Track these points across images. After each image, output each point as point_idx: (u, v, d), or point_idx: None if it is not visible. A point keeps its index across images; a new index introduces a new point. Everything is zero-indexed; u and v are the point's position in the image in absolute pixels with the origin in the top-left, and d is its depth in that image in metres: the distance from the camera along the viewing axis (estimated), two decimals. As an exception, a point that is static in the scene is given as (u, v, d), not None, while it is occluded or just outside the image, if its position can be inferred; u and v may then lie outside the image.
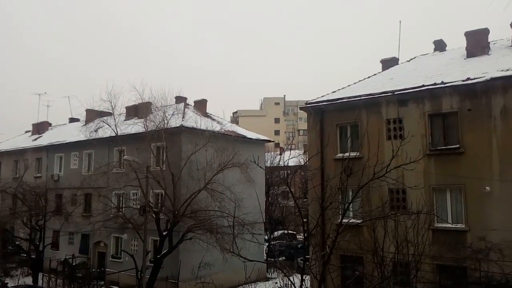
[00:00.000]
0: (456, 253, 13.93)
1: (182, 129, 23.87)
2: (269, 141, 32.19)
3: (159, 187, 21.24)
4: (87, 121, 30.55)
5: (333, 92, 19.02)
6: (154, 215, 21.07)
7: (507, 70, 14.49)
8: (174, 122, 23.39)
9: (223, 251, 18.17)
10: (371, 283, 11.88)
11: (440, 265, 14.39)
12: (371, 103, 16.88)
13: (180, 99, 28.72)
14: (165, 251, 21.02)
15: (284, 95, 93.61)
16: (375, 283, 11.34)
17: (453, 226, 14.68)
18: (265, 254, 28.85)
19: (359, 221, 12.13)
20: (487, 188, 13.99)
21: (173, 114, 23.24)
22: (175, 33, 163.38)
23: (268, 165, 38.92)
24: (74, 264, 27.28)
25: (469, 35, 17.70)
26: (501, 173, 13.89)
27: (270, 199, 37.72)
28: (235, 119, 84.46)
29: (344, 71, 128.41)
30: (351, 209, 14.10)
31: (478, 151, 14.41)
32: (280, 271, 12.82)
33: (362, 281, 13.86)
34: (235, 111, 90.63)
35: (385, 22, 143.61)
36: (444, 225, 14.69)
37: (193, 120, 24.93)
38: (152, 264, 21.40)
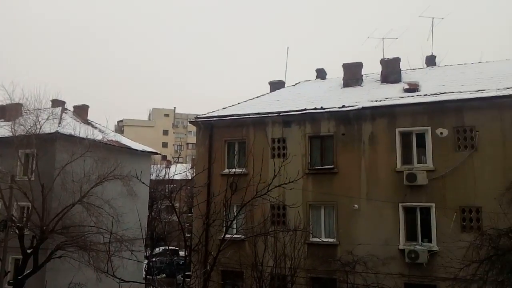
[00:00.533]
0: (327, 266, 15.03)
1: (57, 136, 21.75)
2: (156, 153, 31.18)
3: (25, 199, 18.91)
4: None
5: (223, 108, 19.31)
6: (17, 231, 18.63)
7: (376, 101, 16.38)
8: (49, 128, 21.21)
9: (97, 271, 16.81)
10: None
11: (314, 278, 15.35)
12: (258, 122, 17.55)
13: (57, 103, 26.17)
14: (28, 271, 18.67)
15: (174, 107, 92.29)
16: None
17: (326, 240, 15.84)
18: (144, 272, 27.54)
19: (242, 237, 12.34)
20: (356, 206, 15.46)
21: (47, 119, 21.03)
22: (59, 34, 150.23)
23: (154, 178, 37.61)
24: None
25: (346, 67, 19.65)
26: (367, 193, 15.48)
27: (153, 213, 36.36)
28: (120, 128, 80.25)
29: (234, 90, 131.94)
30: (234, 226, 14.34)
31: (349, 172, 15.89)
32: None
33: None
34: (120, 119, 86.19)
35: (274, 46, 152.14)
36: (318, 239, 15.76)
37: (71, 126, 22.91)
38: (11, 286, 18.82)
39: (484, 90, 14.98)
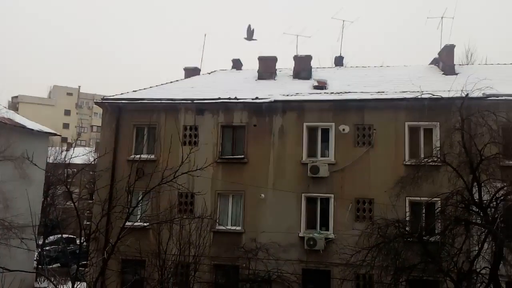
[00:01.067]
0: (231, 253, 15.29)
1: None
2: (54, 134, 28.62)
3: None
4: None
5: (133, 91, 18.48)
6: None
7: (287, 95, 16.95)
8: None
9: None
10: (151, 286, 11.87)
11: (217, 265, 15.53)
12: (170, 108, 17.13)
13: None
14: None
15: (79, 86, 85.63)
16: (154, 285, 11.38)
17: (232, 228, 16.11)
18: (35, 262, 25.39)
19: (144, 224, 11.98)
20: (262, 195, 15.93)
21: None
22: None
23: (51, 162, 34.69)
24: None
25: (261, 60, 20.01)
26: (274, 183, 16.03)
27: (49, 199, 33.60)
28: (14, 105, 72.43)
29: (148, 75, 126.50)
30: (139, 213, 13.86)
31: (259, 162, 16.29)
32: (54, 280, 11.56)
33: (143, 284, 13.72)
34: (15, 95, 77.81)
35: (195, 33, 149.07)
36: (224, 227, 15.97)
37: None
38: None
39: (383, 92, 16.34)
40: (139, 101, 17.38)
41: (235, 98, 16.81)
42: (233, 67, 21.99)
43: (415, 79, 16.28)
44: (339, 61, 21.71)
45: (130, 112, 17.44)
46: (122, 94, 18.05)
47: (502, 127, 12.98)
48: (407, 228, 12.29)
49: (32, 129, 25.10)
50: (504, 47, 39.27)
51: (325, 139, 16.24)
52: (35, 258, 25.19)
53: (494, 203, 11.05)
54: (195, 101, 17.00)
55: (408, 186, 12.83)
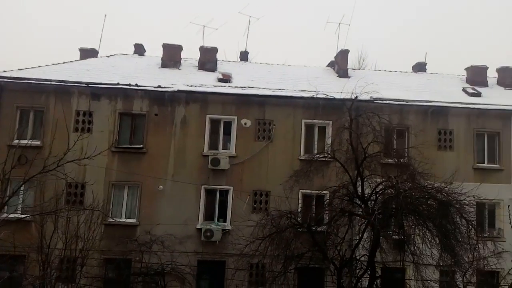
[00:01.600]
0: (124, 247, 14.67)
1: None
2: None
3: None
4: None
5: (19, 69, 16.63)
6: None
7: (191, 86, 16.71)
8: None
9: None
10: (29, 282, 10.88)
11: (108, 259, 14.78)
12: (62, 91, 15.82)
13: None
14: None
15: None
16: (34, 281, 10.46)
17: (126, 221, 15.46)
18: None
19: (21, 216, 10.92)
20: (161, 186, 15.54)
21: None
22: None
23: None
24: None
25: (165, 47, 19.38)
26: (174, 175, 15.73)
27: None
28: None
29: (36, 50, 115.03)
30: (19, 203, 12.58)
31: (159, 153, 15.84)
32: None
33: (21, 281, 12.51)
34: None
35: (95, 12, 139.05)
36: (117, 219, 15.28)
37: None
38: None
39: (284, 89, 16.98)
40: (25, 81, 15.71)
41: (136, 85, 16.10)
42: (135, 52, 20.97)
43: (312, 79, 17.15)
44: (244, 56, 22.01)
45: (13, 92, 15.71)
46: (4, 72, 16.15)
47: (384, 128, 14.36)
48: (298, 219, 12.97)
49: None
50: (391, 56, 43.43)
51: (227, 132, 16.38)
52: None
53: (374, 196, 12.19)
54: (90, 85, 15.90)
55: (301, 180, 13.59)
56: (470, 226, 10.85)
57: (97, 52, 20.25)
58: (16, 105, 15.65)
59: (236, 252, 13.67)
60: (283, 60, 34.93)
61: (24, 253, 12.31)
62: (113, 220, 15.09)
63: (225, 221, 15.68)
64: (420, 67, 21.80)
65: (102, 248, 14.01)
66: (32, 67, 17.03)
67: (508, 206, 11.92)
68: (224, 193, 15.97)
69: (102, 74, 17.08)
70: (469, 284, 10.80)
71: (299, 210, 14.18)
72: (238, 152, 16.01)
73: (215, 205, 15.88)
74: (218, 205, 15.87)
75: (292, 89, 16.94)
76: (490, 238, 12.12)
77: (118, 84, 16.10)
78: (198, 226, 15.34)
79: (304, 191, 15.11)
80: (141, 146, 15.94)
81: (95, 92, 15.97)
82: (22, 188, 10.02)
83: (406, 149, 15.64)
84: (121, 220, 15.38)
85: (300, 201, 15.18)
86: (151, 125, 16.08)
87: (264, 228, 12.34)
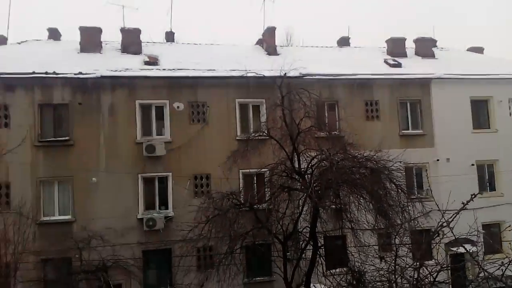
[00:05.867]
0: (62, 245, 13.93)
1: None
2: None
3: None
4: None
5: None
6: None
7: (116, 70, 15.84)
8: None
9: None
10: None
11: (45, 260, 13.98)
12: (-32, 83, 14.22)
13: None
14: None
15: None
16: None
17: (60, 218, 14.64)
18: None
19: None
20: (94, 179, 14.82)
21: None
22: None
23: None
24: None
25: (83, 30, 18.03)
26: (106, 166, 15.05)
27: None
28: None
29: None
30: None
31: (87, 144, 15.01)
32: None
33: None
34: None
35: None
36: (51, 218, 14.43)
37: None
38: None
39: (215, 69, 16.73)
40: None
41: (54, 73, 14.98)
42: (49, 38, 19.34)
43: (242, 58, 17.08)
44: (170, 37, 21.25)
45: None
46: None
47: (315, 103, 14.75)
48: (241, 199, 13.08)
49: None
50: (317, 33, 44.49)
51: (160, 117, 15.92)
52: None
53: (310, 170, 12.59)
54: (2, 76, 14.50)
55: (239, 160, 13.63)
56: (399, 190, 11.68)
57: (6, 39, 18.38)
58: None
59: (181, 239, 13.54)
60: (212, 40, 34.25)
61: None
62: (46, 219, 14.19)
63: (167, 208, 15.42)
64: (344, 42, 22.59)
65: (37, 249, 13.21)
66: None
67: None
68: (163, 180, 15.63)
69: (15, 63, 15.59)
70: (404, 244, 11.64)
71: (241, 190, 14.31)
72: (173, 137, 15.67)
73: (155, 193, 15.53)
74: (158, 192, 15.54)
75: (223, 69, 16.76)
76: (420, 199, 13.12)
77: (33, 73, 14.86)
78: (139, 216, 14.95)
79: (244, 170, 15.25)
80: (67, 138, 14.99)
81: (9, 83, 14.66)
82: None
83: (337, 122, 16.30)
84: (54, 218, 14.53)
85: (241, 181, 15.33)
86: (76, 115, 15.14)
87: (207, 211, 12.28)
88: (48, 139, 14.87)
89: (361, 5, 54.04)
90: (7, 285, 12.66)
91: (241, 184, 15.07)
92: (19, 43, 18.24)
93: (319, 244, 12.39)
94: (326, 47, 22.03)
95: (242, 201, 12.96)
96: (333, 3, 54.66)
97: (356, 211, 11.75)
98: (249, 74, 14.93)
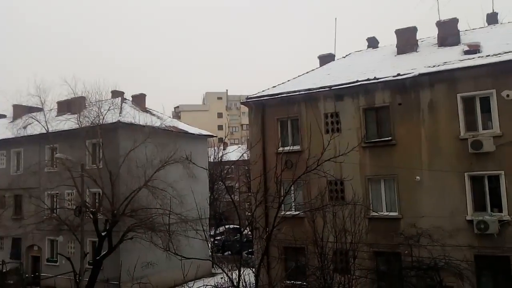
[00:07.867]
0: (390, 240, 14.73)
1: (119, 125, 22.99)
2: (211, 136, 31.96)
3: (96, 186, 20.35)
4: (15, 117, 28.55)
5: (273, 87, 19.24)
6: (91, 216, 20.17)
7: (433, 66, 15.46)
8: (111, 118, 22.45)
9: (164, 250, 17.83)
10: (312, 272, 12.26)
11: (376, 252, 15.14)
12: (309, 98, 17.29)
13: (116, 94, 27.56)
14: (104, 252, 20.21)
15: (227, 90, 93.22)
16: (315, 271, 11.72)
17: (388, 214, 15.45)
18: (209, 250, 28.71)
19: (295, 213, 12.42)
20: (418, 177, 14.87)
21: (109, 109, 22.23)
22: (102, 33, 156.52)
23: (212, 160, 38.63)
24: (4, 270, 25.44)
25: (399, 33, 18.66)
26: (429, 163, 14.82)
27: (214, 194, 37.53)
28: (177, 114, 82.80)
29: (284, 70, 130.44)
30: (292, 201, 14.44)
31: (409, 142, 15.26)
32: (225, 266, 13.05)
33: (305, 270, 14.26)
34: (176, 105, 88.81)
35: (319, 22, 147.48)
36: (379, 213, 15.42)
37: (131, 115, 24.07)
38: (91, 267, 20.49)
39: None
40: (279, 96, 17.98)
41: (374, 78, 16.06)
42: (368, 47, 21.04)
43: None
44: (492, 19, 18.83)
45: (272, 107, 18.15)
46: (263, 91, 18.97)
47: None
48: None
49: (193, 133, 28.59)
50: None
51: (486, 109, 14.29)
52: (209, 248, 28.58)
53: None
54: (333, 88, 16.81)
55: None
56: None
57: (334, 56, 21.36)
58: (276, 117, 18.06)
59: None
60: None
61: (303, 245, 14.02)
62: (376, 214, 15.36)
63: (500, 211, 13.65)
64: None
65: (369, 241, 14.47)
66: (282, 83, 19.42)
67: None
68: (493, 179, 13.96)
69: (341, 75, 17.84)
70: None
71: None
72: (503, 130, 13.73)
73: (485, 194, 14.04)
74: (489, 193, 13.98)
75: None
76: None
77: (357, 81, 16.44)
78: (468, 218, 13.91)
79: None
80: (389, 138, 15.73)
81: (338, 93, 16.76)
82: (292, 188, 11.48)
83: None
84: (383, 214, 15.49)
85: None
86: (396, 115, 15.67)
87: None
88: (373, 140, 16.08)
89: None
90: (347, 270, 14.49)
91: None
92: (343, 57, 20.79)
93: None
94: None
95: None
96: None
97: None
98: None
